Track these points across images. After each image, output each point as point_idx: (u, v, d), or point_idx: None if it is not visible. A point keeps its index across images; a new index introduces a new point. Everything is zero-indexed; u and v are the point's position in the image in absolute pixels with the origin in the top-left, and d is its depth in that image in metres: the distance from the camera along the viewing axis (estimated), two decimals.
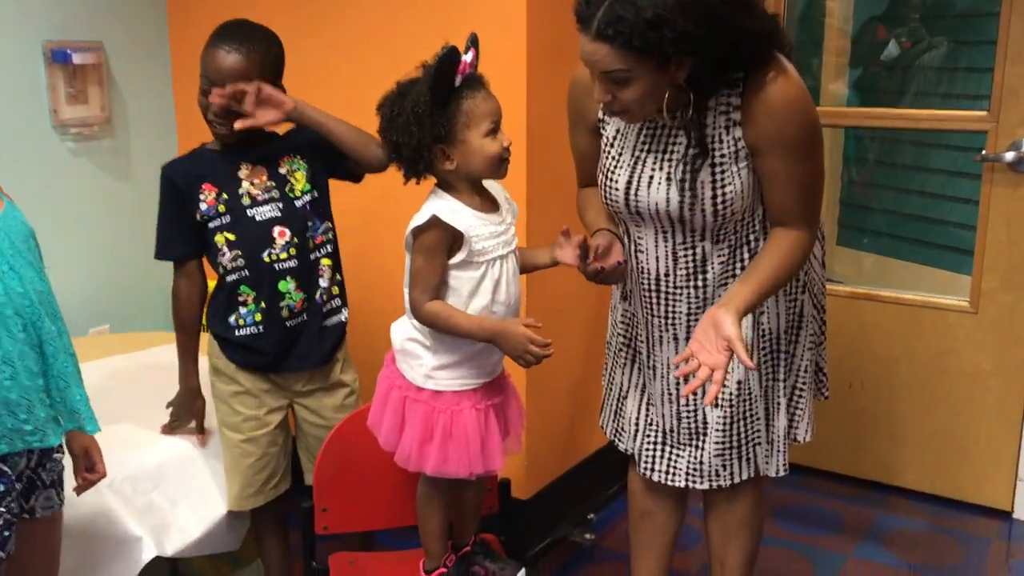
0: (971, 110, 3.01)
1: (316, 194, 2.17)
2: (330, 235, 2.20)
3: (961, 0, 3.82)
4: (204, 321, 2.24)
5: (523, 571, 1.97)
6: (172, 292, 2.20)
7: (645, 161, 1.81)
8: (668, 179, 1.77)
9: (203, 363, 2.27)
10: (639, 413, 2.05)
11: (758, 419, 1.94)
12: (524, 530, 2.74)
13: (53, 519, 1.77)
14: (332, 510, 2.07)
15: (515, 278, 1.82)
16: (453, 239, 1.72)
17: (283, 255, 2.11)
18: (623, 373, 2.08)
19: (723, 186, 1.74)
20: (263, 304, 2.12)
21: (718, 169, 1.74)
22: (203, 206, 2.09)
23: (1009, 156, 2.79)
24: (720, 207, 1.76)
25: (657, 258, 1.87)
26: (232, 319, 2.14)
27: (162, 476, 2.15)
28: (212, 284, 2.21)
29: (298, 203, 2.14)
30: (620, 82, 1.63)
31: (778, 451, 1.97)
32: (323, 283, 2.18)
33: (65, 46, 2.80)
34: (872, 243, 4.31)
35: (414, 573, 1.98)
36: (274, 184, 2.12)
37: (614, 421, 2.14)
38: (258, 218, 2.10)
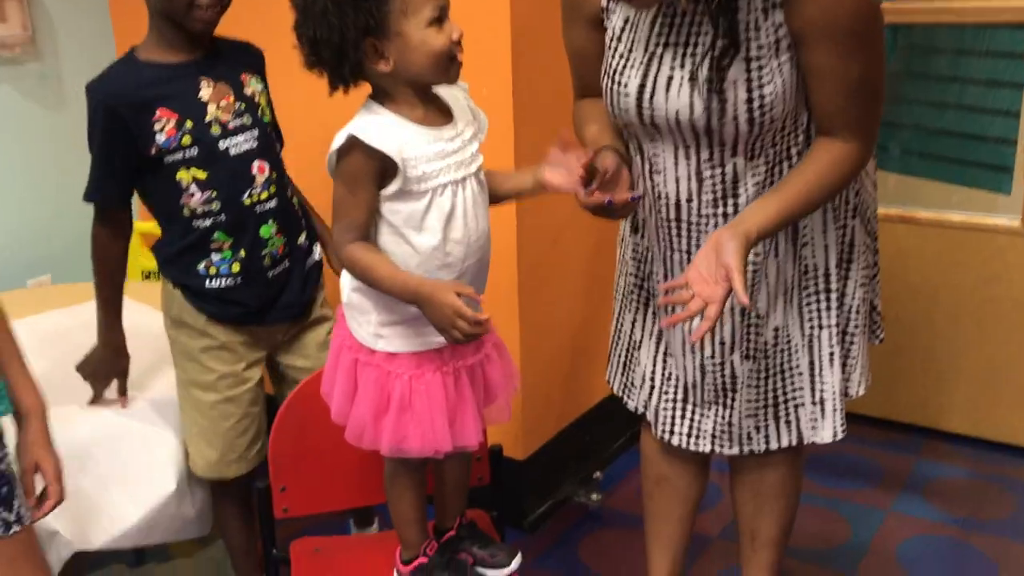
0: None
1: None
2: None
3: None
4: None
5: (518, 557, 1.65)
6: (93, 237, 1.84)
7: (662, 58, 1.44)
8: (691, 79, 1.40)
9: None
10: (655, 366, 1.71)
11: (800, 374, 1.61)
12: (522, 494, 2.45)
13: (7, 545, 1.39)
14: (292, 489, 1.76)
15: (478, 208, 1.45)
16: (384, 164, 1.36)
17: (264, 195, 1.80)
18: (634, 319, 1.74)
19: (760, 86, 1.38)
20: (242, 252, 1.81)
21: (754, 64, 1.38)
22: (160, 138, 1.72)
23: None
24: (756, 113, 1.39)
25: (677, 179, 1.51)
26: (202, 267, 1.82)
27: (90, 456, 1.83)
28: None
29: (269, 130, 1.83)
30: None
31: (834, 409, 1.63)
32: (303, 223, 1.91)
33: None
34: (898, 162, 3.98)
35: (391, 561, 1.68)
36: (244, 106, 1.78)
37: (623, 375, 1.81)
38: (233, 151, 1.77)
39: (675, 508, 1.89)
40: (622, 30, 1.50)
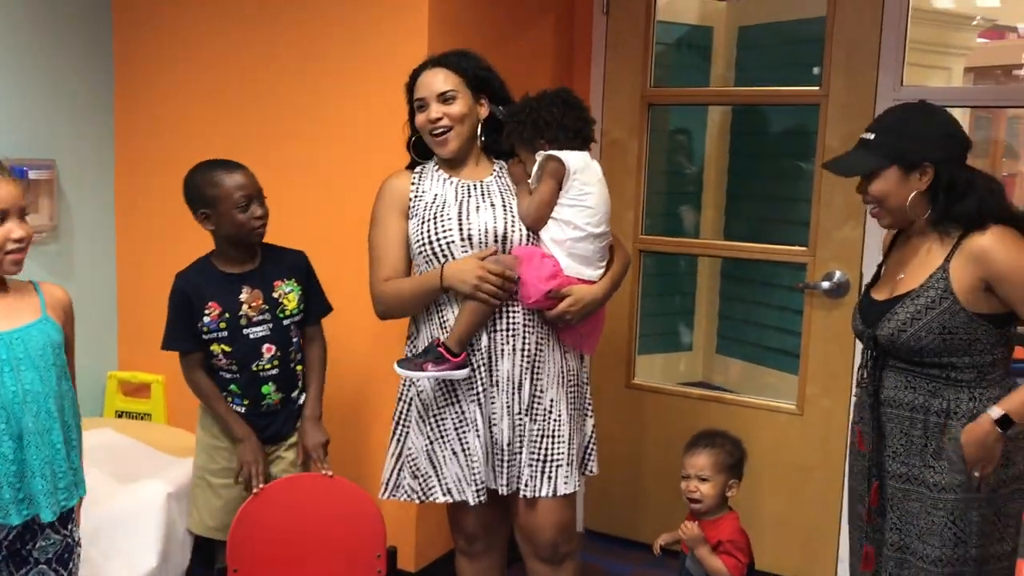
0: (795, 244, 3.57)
1: (302, 316, 2.65)
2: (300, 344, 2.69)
3: (781, 148, 4.52)
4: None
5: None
6: (190, 381, 2.61)
7: (470, 201, 2.36)
8: (491, 205, 2.35)
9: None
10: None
11: (562, 441, 2.37)
12: None
13: None
14: (243, 572, 2.43)
15: None
16: None
17: (268, 366, 2.59)
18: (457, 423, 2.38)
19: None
20: (246, 401, 2.59)
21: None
22: (206, 319, 2.55)
23: (825, 285, 3.35)
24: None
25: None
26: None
27: (97, 534, 2.51)
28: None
29: (286, 322, 2.61)
30: None
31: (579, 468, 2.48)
32: (299, 383, 2.66)
33: (22, 163, 3.16)
34: (737, 350, 4.87)
35: None
36: (268, 307, 2.59)
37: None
38: (251, 336, 2.57)
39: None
40: (432, 202, 2.36)
